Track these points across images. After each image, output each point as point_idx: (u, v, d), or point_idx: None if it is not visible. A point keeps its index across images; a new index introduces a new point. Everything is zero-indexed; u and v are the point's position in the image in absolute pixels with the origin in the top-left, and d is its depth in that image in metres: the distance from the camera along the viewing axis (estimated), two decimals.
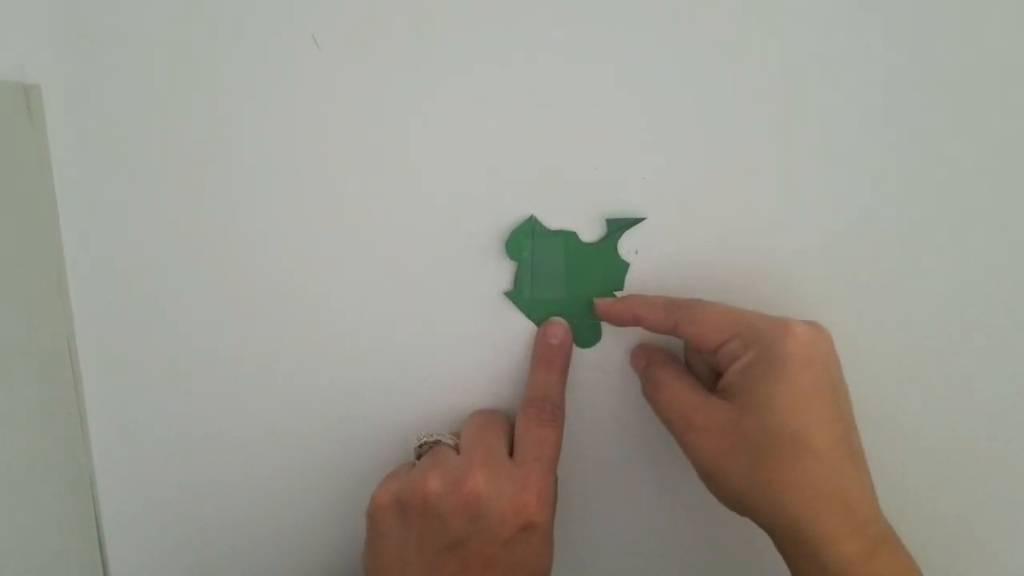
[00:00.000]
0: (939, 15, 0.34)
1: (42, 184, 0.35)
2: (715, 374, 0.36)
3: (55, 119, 0.35)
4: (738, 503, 0.33)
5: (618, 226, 0.38)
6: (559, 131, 0.37)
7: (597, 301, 0.39)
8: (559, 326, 0.39)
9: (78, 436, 0.39)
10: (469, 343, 0.41)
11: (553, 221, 0.38)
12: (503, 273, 0.39)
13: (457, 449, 0.38)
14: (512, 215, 0.38)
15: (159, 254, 0.39)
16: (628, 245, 0.38)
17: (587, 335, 0.40)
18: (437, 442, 0.39)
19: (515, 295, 0.40)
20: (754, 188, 0.37)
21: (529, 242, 0.39)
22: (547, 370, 0.39)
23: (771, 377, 0.32)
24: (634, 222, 0.38)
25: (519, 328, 0.40)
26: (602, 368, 0.40)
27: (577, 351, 0.40)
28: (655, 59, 0.35)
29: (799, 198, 0.37)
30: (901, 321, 0.39)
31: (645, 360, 0.39)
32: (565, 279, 0.39)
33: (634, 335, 0.40)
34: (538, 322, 0.40)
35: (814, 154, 0.36)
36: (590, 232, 0.39)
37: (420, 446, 0.39)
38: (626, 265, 0.39)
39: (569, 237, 0.39)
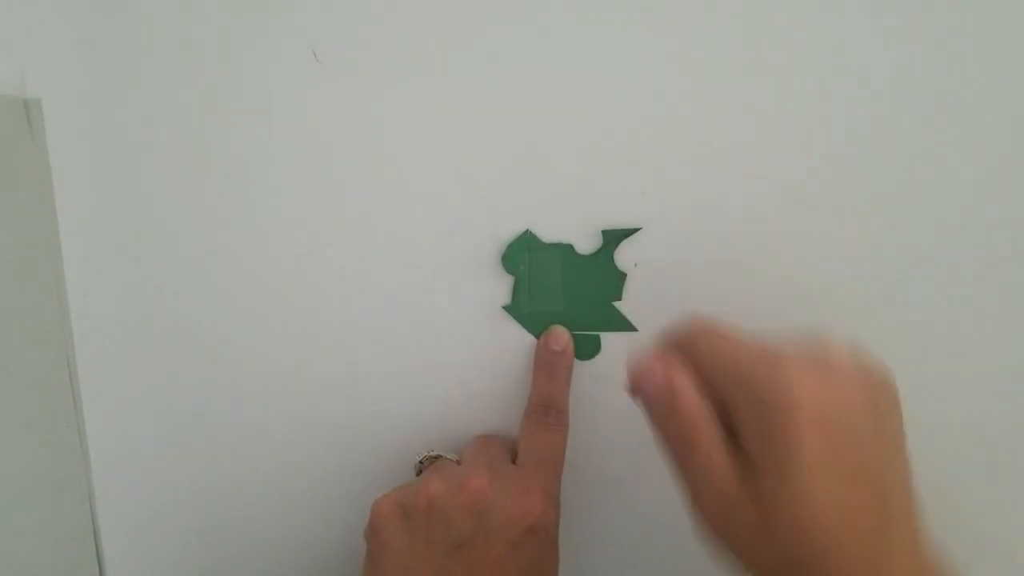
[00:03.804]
0: (943, 17, 0.35)
1: (43, 198, 0.35)
2: None
3: (56, 133, 0.35)
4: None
5: (614, 236, 0.38)
6: (556, 144, 0.37)
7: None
8: (560, 333, 0.39)
9: (75, 442, 0.38)
10: (469, 358, 0.41)
11: (549, 234, 0.39)
12: (501, 287, 0.40)
13: (459, 464, 0.38)
14: (508, 229, 0.39)
15: (159, 266, 0.39)
16: (628, 257, 0.39)
17: (586, 347, 0.40)
18: (438, 457, 0.38)
19: (514, 309, 0.40)
20: (755, 199, 0.37)
21: (525, 255, 0.39)
22: (550, 376, 0.39)
23: (785, 481, 0.26)
24: (630, 232, 0.38)
25: (518, 342, 0.40)
26: (601, 379, 0.40)
27: (576, 363, 0.40)
28: (653, 71, 0.36)
29: (800, 208, 0.37)
30: (905, 326, 0.39)
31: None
32: (563, 291, 0.40)
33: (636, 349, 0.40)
34: (537, 335, 0.40)
35: (815, 164, 0.37)
36: (586, 244, 0.39)
37: (421, 462, 0.39)
38: (623, 275, 0.39)
39: (565, 249, 0.39)
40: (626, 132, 0.37)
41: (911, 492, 0.27)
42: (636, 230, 0.38)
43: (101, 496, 0.40)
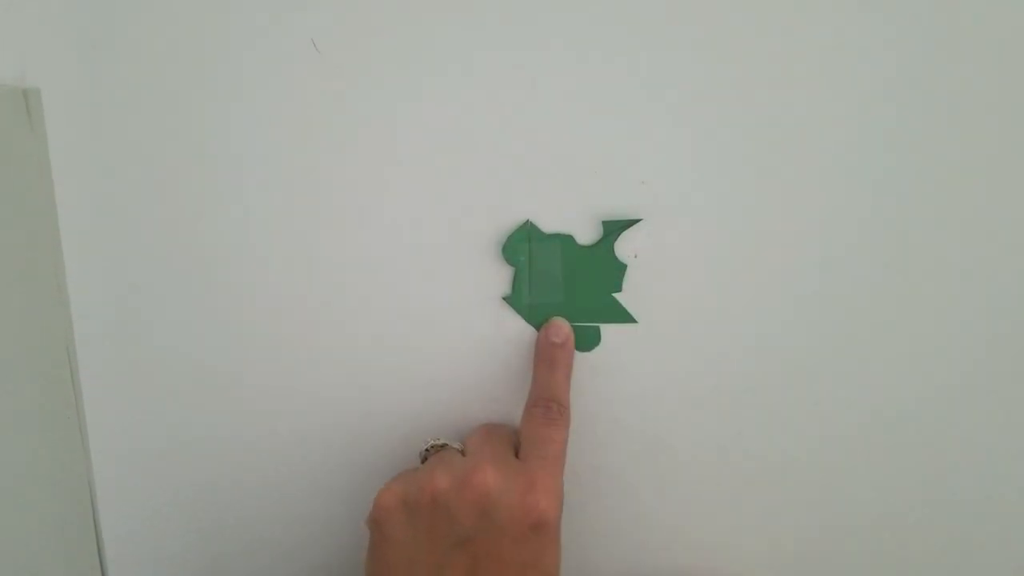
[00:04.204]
0: (944, 23, 0.35)
1: (42, 189, 0.34)
2: None
3: (55, 123, 0.35)
4: None
5: (614, 228, 0.38)
6: (556, 134, 0.37)
7: None
8: (561, 326, 0.39)
9: (77, 444, 0.38)
10: (469, 348, 0.41)
11: (550, 224, 0.39)
12: (502, 277, 0.40)
13: (463, 454, 0.38)
14: (509, 219, 0.39)
15: (160, 260, 0.39)
16: (628, 248, 0.39)
17: (587, 338, 0.40)
18: (444, 446, 0.39)
19: (514, 299, 0.40)
20: (756, 191, 0.37)
21: (526, 246, 0.39)
22: (551, 370, 0.39)
23: None
24: (630, 223, 0.38)
25: (519, 332, 0.40)
26: (601, 371, 0.40)
27: (576, 354, 0.40)
28: (654, 60, 0.36)
29: (799, 199, 0.37)
30: (902, 323, 0.39)
31: None
32: (563, 282, 0.40)
33: (636, 340, 0.40)
34: (537, 326, 0.40)
35: (815, 155, 0.37)
36: (587, 234, 0.39)
37: (427, 449, 0.39)
38: (624, 266, 0.39)
39: (566, 240, 0.39)
40: (627, 122, 0.37)
41: None
42: (636, 221, 0.38)
43: (102, 496, 0.40)
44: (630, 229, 0.38)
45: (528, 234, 0.39)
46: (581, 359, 0.40)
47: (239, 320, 0.40)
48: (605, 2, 0.35)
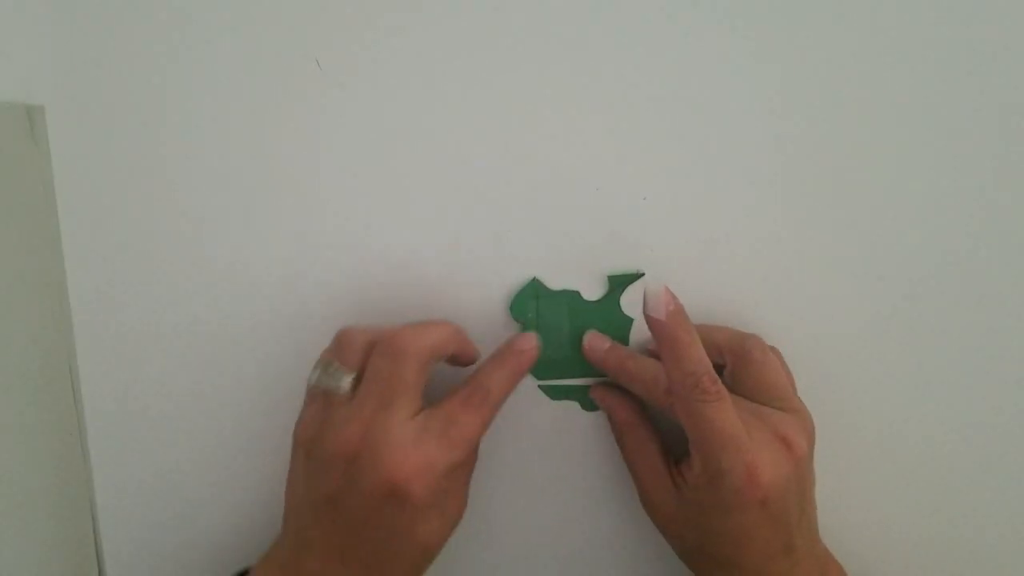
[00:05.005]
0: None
1: (45, 205, 0.34)
2: None
3: (59, 140, 0.34)
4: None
5: (620, 282, 0.39)
6: (562, 191, 0.38)
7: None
8: (530, 339, 0.36)
9: (78, 457, 0.38)
10: None
11: (556, 281, 0.39)
12: (509, 335, 0.39)
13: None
14: (515, 277, 0.39)
15: (161, 275, 0.38)
16: (634, 302, 0.39)
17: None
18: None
19: None
20: (760, 240, 0.39)
21: (533, 303, 0.39)
22: (498, 366, 0.36)
23: (719, 510, 0.33)
24: (635, 277, 0.39)
25: (527, 389, 0.40)
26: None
27: (584, 414, 0.40)
28: (661, 116, 0.38)
29: (809, 260, 0.39)
30: (911, 344, 0.40)
31: (624, 420, 0.38)
32: (570, 338, 0.39)
33: None
34: (543, 380, 0.40)
35: (818, 173, 0.38)
36: (592, 290, 0.39)
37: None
38: (630, 321, 0.39)
39: (572, 297, 0.39)
40: (631, 179, 0.38)
41: (812, 522, 0.36)
42: (641, 275, 0.39)
43: (103, 501, 0.39)
44: (635, 284, 0.39)
45: (535, 291, 0.39)
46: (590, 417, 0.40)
47: (242, 334, 0.39)
48: (606, 57, 0.37)
